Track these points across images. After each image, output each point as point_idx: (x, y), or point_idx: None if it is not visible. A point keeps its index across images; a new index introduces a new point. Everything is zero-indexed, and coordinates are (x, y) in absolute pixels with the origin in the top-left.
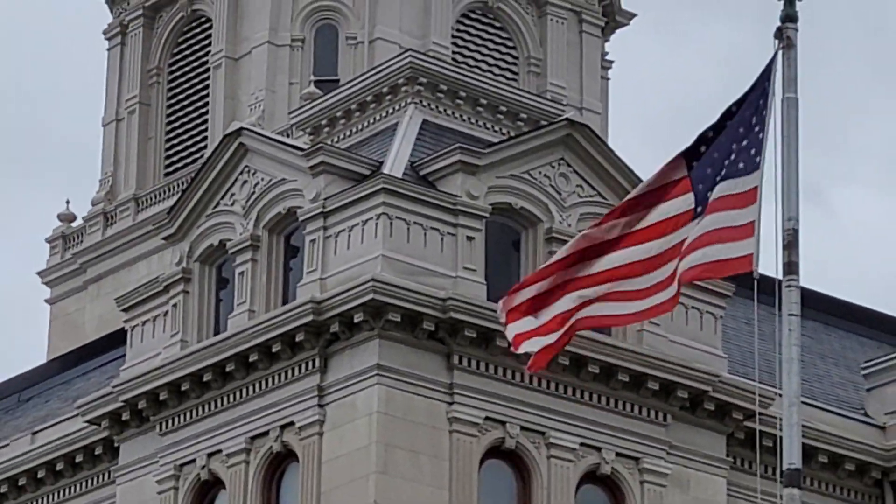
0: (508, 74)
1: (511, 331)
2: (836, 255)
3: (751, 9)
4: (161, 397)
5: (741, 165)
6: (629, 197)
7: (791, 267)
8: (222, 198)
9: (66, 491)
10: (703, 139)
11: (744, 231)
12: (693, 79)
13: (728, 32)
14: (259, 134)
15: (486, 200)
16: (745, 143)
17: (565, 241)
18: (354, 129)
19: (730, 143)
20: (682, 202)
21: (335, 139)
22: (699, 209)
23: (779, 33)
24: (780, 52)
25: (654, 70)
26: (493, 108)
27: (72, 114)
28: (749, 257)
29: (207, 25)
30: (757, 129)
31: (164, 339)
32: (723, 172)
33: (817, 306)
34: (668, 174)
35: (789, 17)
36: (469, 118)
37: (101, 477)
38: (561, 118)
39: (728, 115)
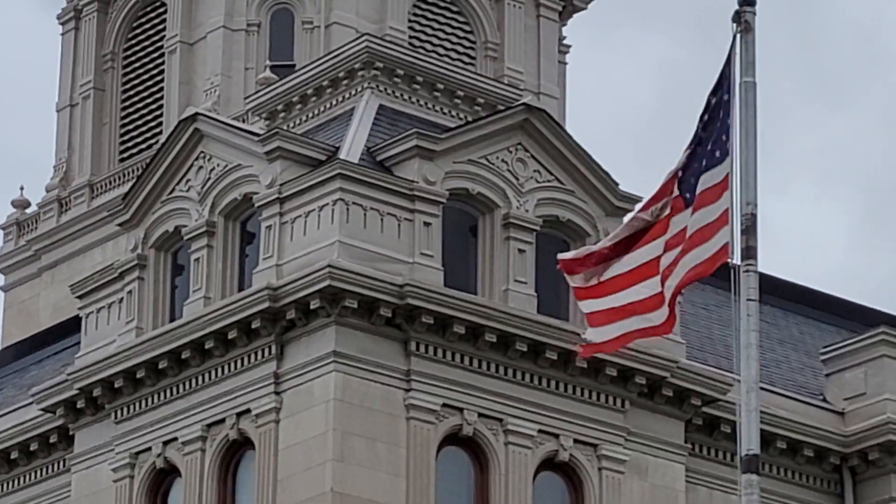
0: (465, 59)
1: (587, 306)
2: (769, 268)
3: (687, 19)
4: (116, 385)
5: (717, 154)
6: (634, 230)
7: (749, 252)
8: (178, 184)
9: (21, 479)
10: (692, 146)
11: (720, 222)
12: (628, 87)
13: (664, 42)
14: (214, 119)
15: (443, 186)
16: (718, 128)
17: (523, 227)
18: (311, 115)
19: (711, 132)
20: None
21: (291, 124)
22: (688, 195)
23: (737, 17)
24: (738, 36)
25: (590, 76)
26: (450, 92)
27: (25, 99)
28: (725, 247)
29: (162, 10)
30: (723, 114)
31: (119, 327)
32: (704, 163)
33: (775, 291)
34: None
35: (747, 0)
36: (426, 103)
37: (56, 465)
38: (518, 103)
39: (707, 107)
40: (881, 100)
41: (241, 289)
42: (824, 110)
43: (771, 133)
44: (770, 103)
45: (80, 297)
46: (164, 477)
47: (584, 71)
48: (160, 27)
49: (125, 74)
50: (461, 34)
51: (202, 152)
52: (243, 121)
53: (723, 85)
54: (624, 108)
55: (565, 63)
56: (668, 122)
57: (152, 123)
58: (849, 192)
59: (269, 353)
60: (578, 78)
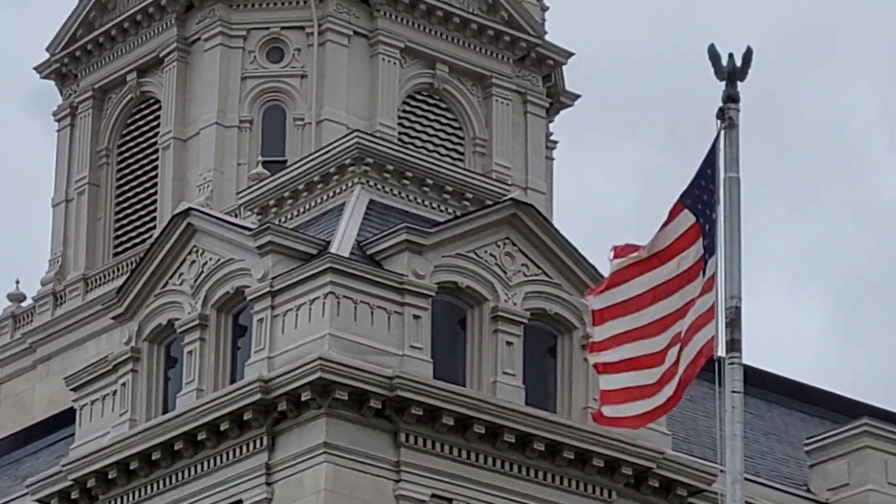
0: (454, 155)
1: (606, 382)
2: (748, 362)
3: (664, 126)
4: (110, 476)
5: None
6: (648, 253)
7: (734, 344)
8: (171, 277)
9: None
10: (700, 179)
11: (707, 316)
12: (608, 188)
13: (642, 147)
14: (207, 214)
15: (433, 279)
16: (708, 226)
17: (511, 320)
18: (302, 209)
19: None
20: (695, 250)
21: (283, 219)
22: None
23: (721, 114)
24: (721, 133)
25: (571, 174)
26: (440, 187)
27: (21, 194)
28: (710, 342)
29: (156, 107)
30: (708, 211)
31: (113, 418)
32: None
33: (759, 383)
34: (676, 224)
35: (731, 97)
36: (415, 198)
37: None
38: (506, 198)
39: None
40: (850, 201)
41: (233, 381)
42: (796, 210)
43: (744, 232)
44: (743, 202)
45: (74, 390)
46: None
47: (566, 168)
48: (154, 124)
49: (120, 170)
50: (450, 130)
51: (195, 247)
52: (235, 216)
53: (701, 180)
54: (603, 209)
55: (552, 158)
56: (644, 227)
57: (146, 218)
58: (821, 290)
59: (261, 444)
60: (561, 174)
